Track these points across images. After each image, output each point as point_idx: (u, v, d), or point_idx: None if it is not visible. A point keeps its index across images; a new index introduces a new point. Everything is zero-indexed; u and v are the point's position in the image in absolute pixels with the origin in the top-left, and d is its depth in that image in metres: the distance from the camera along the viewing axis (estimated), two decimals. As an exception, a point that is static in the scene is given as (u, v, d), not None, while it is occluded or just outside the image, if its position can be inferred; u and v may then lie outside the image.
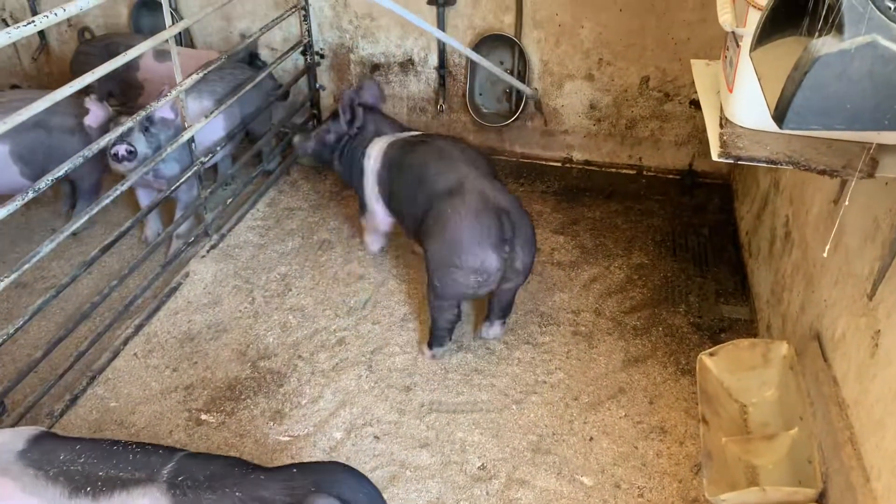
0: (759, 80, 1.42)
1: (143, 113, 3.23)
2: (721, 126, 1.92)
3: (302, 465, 1.96)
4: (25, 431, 2.05)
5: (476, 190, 2.95)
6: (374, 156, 3.48)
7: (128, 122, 3.18)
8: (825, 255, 2.18)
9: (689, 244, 3.94)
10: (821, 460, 2.20)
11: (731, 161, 1.84)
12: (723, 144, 1.86)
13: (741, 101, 1.85)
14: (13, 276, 2.66)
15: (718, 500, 2.25)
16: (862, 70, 1.17)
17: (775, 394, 2.64)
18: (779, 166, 1.81)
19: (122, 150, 3.33)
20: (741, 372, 2.69)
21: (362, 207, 3.68)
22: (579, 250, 3.87)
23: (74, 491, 1.87)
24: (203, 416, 2.93)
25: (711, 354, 2.71)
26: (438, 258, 2.94)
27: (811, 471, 2.22)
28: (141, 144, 3.42)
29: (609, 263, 3.78)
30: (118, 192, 3.16)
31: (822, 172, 1.78)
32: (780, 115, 1.24)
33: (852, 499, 1.95)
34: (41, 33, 5.01)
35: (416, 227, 3.18)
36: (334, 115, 3.65)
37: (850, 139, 1.76)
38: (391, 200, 3.43)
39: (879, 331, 2.00)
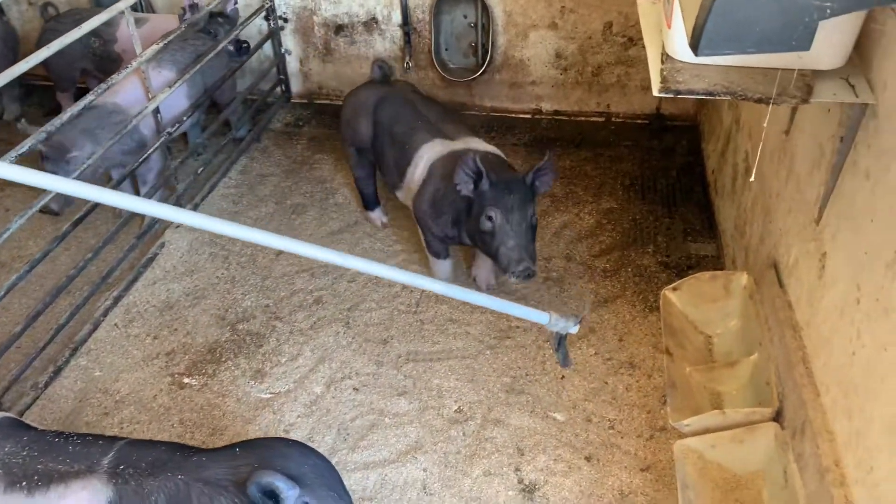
0: (681, 11, 1.46)
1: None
2: (662, 62, 1.96)
3: (244, 444, 1.92)
4: None
5: None
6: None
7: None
8: (752, 179, 2.26)
9: (658, 186, 4.00)
10: (777, 381, 2.29)
11: (671, 95, 1.88)
12: (663, 80, 1.89)
13: (679, 35, 1.88)
14: (-14, 254, 2.71)
15: (681, 425, 2.34)
16: (769, -8, 1.21)
17: (738, 323, 2.72)
18: (717, 97, 1.85)
19: None
20: (704, 304, 2.76)
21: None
22: (549, 199, 3.92)
23: (10, 485, 1.82)
24: (185, 380, 3.00)
25: (675, 289, 2.78)
26: None
27: (769, 392, 2.31)
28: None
29: (579, 210, 3.84)
30: (84, 167, 3.19)
31: (759, 101, 1.82)
32: (694, 43, 1.28)
33: (804, 414, 2.04)
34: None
35: None
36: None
37: (782, 66, 1.80)
38: None
39: (825, 253, 2.08)
